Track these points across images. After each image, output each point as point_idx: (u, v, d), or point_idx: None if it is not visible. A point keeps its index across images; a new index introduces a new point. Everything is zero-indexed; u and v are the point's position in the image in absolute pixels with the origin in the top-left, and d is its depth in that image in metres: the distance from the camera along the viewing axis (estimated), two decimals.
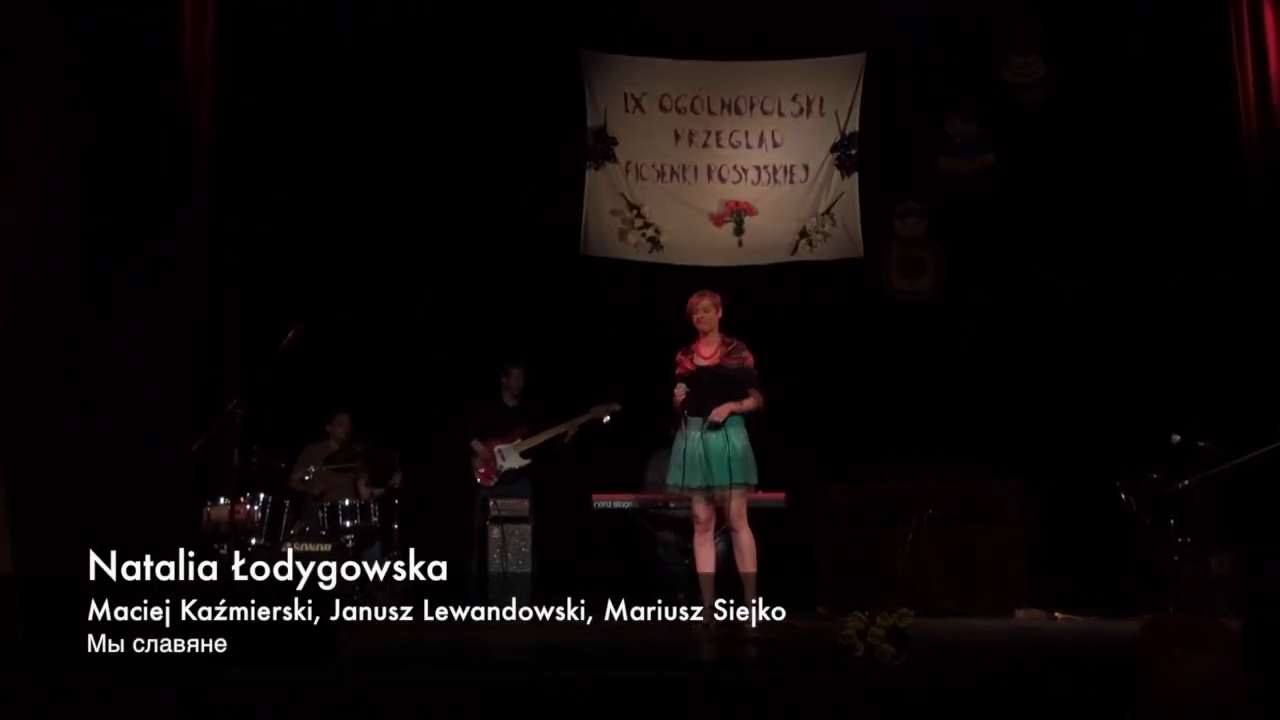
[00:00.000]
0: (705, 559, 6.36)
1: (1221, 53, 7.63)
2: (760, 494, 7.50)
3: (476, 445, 8.08)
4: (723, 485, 6.26)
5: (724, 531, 6.78)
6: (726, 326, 6.55)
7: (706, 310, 6.39)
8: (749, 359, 6.42)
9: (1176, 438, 6.85)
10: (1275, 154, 7.24)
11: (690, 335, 6.48)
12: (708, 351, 6.43)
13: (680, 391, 6.28)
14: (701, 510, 6.33)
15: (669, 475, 6.39)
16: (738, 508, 6.30)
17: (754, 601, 6.24)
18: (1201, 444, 6.77)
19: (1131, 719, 3.50)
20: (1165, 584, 6.62)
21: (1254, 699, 3.19)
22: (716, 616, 6.19)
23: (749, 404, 6.34)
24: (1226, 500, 6.79)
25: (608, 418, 7.82)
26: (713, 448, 6.27)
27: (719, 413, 6.26)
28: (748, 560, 6.27)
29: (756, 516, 7.26)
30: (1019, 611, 7.10)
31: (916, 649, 4.52)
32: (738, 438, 6.32)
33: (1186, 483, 6.73)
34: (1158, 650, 3.49)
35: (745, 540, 6.29)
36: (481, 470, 8.02)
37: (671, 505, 7.50)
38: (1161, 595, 6.55)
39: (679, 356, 6.47)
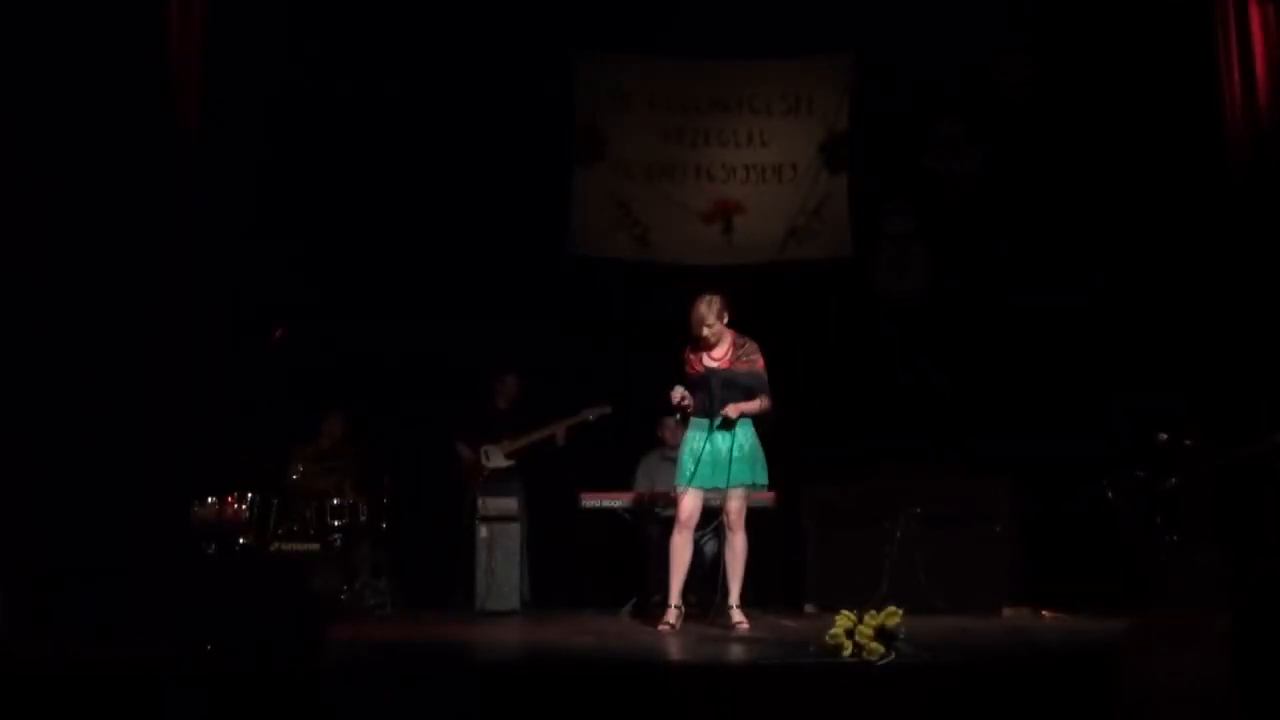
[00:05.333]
0: (685, 557, 6.36)
1: (1207, 52, 7.67)
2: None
3: (461, 448, 8.08)
4: (730, 485, 6.25)
5: (715, 530, 6.78)
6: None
7: (709, 325, 6.30)
8: (759, 362, 6.39)
9: (1163, 436, 6.87)
10: (1261, 153, 7.27)
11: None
12: (719, 353, 6.40)
13: (676, 394, 6.26)
14: (689, 506, 6.31)
15: (678, 476, 6.35)
16: (739, 508, 6.30)
17: (739, 602, 6.28)
18: (1188, 442, 6.79)
19: (1118, 717, 3.50)
20: (1152, 582, 6.63)
21: (1242, 697, 3.20)
22: (680, 613, 6.24)
23: (754, 406, 6.33)
24: (1213, 499, 6.81)
25: (592, 418, 7.82)
26: (720, 449, 6.26)
27: (731, 410, 6.24)
28: (740, 561, 6.28)
29: (746, 515, 7.28)
30: (1006, 610, 7.11)
31: (904, 647, 4.52)
32: (745, 438, 6.31)
33: (1174, 481, 6.75)
34: (1144, 648, 3.50)
35: (741, 542, 6.30)
36: (467, 471, 8.02)
37: (659, 505, 7.50)
38: (1148, 593, 6.56)
39: (688, 354, 6.43)
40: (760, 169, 9.16)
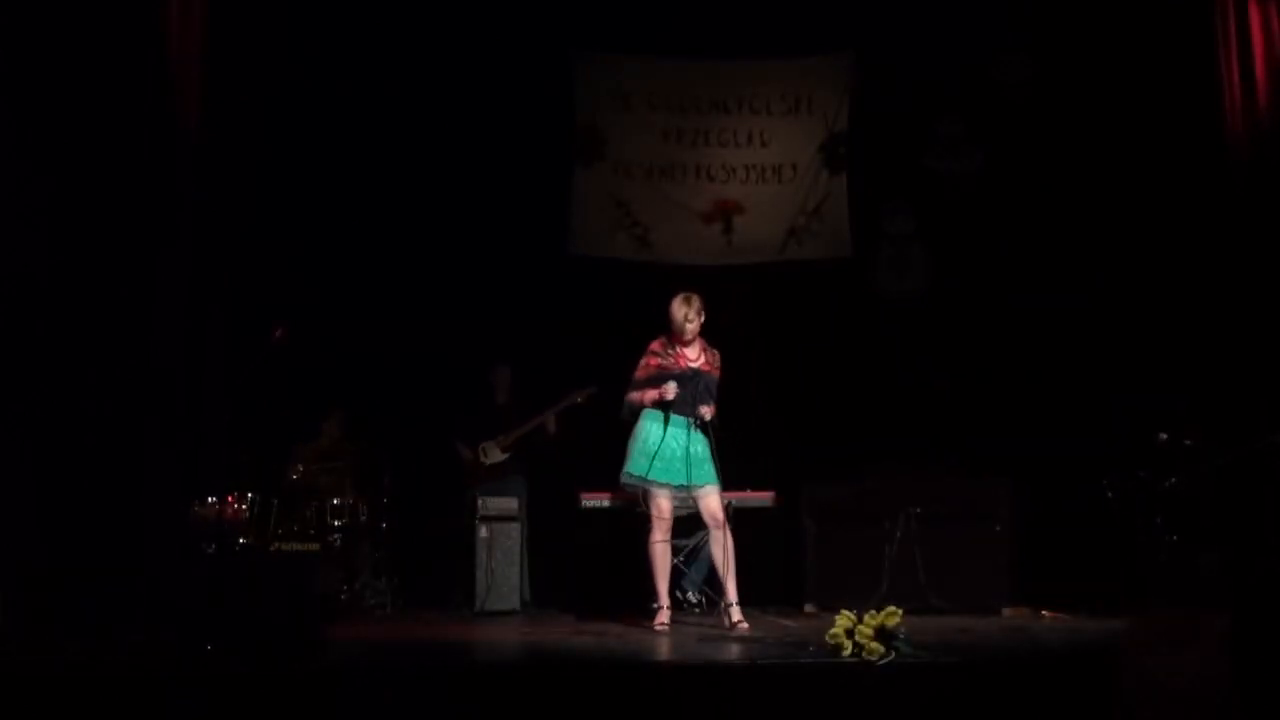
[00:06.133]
0: (668, 556, 6.43)
1: (1207, 52, 7.67)
2: (750, 492, 7.54)
3: (460, 447, 8.09)
4: (705, 484, 6.31)
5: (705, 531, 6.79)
6: (712, 326, 6.56)
7: (690, 320, 6.38)
8: (719, 371, 6.49)
9: (1163, 436, 6.87)
10: (1261, 153, 7.27)
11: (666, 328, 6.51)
12: (693, 354, 6.45)
13: (670, 390, 6.28)
14: (667, 506, 6.35)
15: (633, 464, 6.37)
16: (717, 505, 6.34)
17: (736, 600, 6.29)
18: (1188, 442, 6.79)
19: (1119, 717, 3.50)
20: (1152, 582, 6.63)
21: (1242, 697, 3.20)
22: (670, 611, 6.34)
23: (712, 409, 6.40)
24: (1213, 499, 6.81)
25: (581, 399, 7.80)
26: (697, 448, 6.32)
27: (709, 411, 6.29)
28: (732, 558, 6.31)
29: (746, 515, 7.30)
30: (1006, 610, 7.11)
31: (904, 647, 4.52)
32: (707, 439, 6.36)
33: (1173, 481, 6.75)
34: (1144, 648, 3.50)
35: (729, 540, 6.32)
36: (468, 468, 8.03)
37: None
38: (1148, 593, 6.56)
39: (660, 348, 6.45)
40: (760, 169, 9.16)
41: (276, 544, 7.19)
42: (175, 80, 6.54)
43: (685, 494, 6.38)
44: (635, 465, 6.36)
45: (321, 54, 8.21)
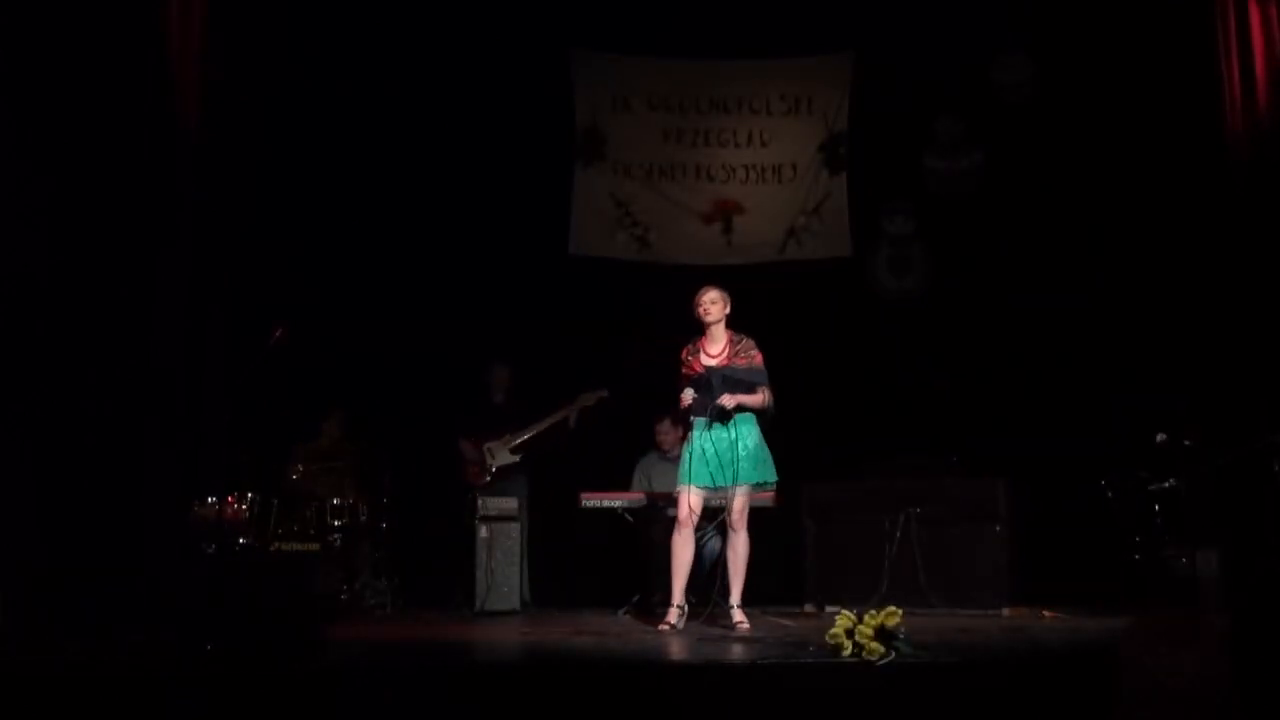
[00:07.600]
0: (686, 555, 6.36)
1: (1207, 52, 7.67)
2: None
3: (464, 446, 8.09)
4: (732, 485, 6.25)
5: (717, 528, 6.79)
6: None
7: (714, 302, 6.36)
8: (758, 357, 6.38)
9: (1163, 436, 6.87)
10: (1261, 153, 7.27)
11: (692, 331, 6.47)
12: (715, 350, 6.40)
13: (686, 397, 6.27)
14: (686, 506, 6.31)
15: (680, 476, 6.36)
16: (742, 507, 6.29)
17: (740, 602, 6.29)
18: (1188, 442, 6.79)
19: (1119, 717, 3.51)
20: (1151, 582, 6.63)
21: (1242, 697, 3.20)
22: (682, 613, 6.27)
23: (754, 398, 6.31)
24: (1213, 499, 6.81)
25: (592, 402, 7.80)
26: (719, 446, 6.26)
27: (727, 399, 6.22)
28: (742, 561, 6.29)
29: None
30: (1006, 610, 7.11)
31: (904, 647, 4.52)
32: (749, 435, 6.30)
33: (1172, 481, 6.75)
34: (1144, 648, 3.50)
35: (743, 541, 6.29)
36: (472, 470, 8.02)
37: (659, 504, 7.50)
38: (1148, 593, 6.57)
39: (685, 355, 6.44)
40: (760, 169, 9.17)
41: (276, 544, 7.19)
42: (175, 80, 6.54)
43: (720, 495, 6.36)
44: (680, 476, 6.36)
45: (321, 54, 8.21)
